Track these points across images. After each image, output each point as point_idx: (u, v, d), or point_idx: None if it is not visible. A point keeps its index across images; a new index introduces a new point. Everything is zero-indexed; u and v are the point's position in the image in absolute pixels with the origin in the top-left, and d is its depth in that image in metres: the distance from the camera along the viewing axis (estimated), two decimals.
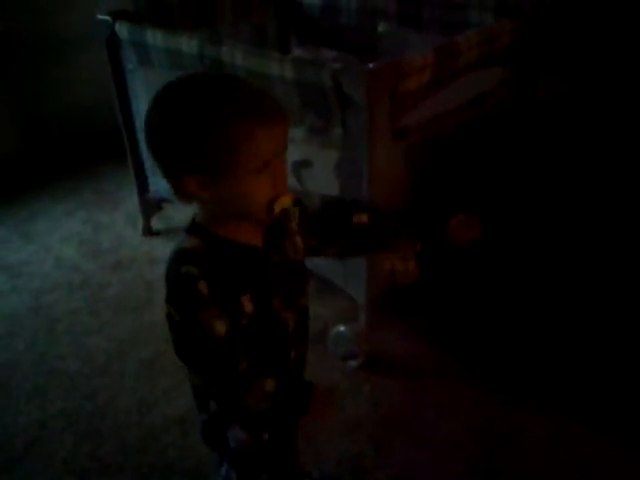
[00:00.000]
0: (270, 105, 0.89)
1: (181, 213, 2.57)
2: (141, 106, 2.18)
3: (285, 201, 0.94)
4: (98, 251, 2.48)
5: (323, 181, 1.68)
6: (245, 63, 1.66)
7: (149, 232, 2.54)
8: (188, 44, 1.81)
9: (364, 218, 1.14)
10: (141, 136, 2.25)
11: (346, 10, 2.40)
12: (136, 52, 2.04)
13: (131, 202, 2.62)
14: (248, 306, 0.95)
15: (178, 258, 0.93)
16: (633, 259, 1.86)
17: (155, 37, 1.92)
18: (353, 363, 1.84)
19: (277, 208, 0.93)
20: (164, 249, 2.44)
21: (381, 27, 2.36)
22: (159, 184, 2.33)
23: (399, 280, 1.66)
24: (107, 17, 2.07)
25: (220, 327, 0.91)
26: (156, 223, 2.56)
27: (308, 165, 1.70)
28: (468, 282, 2.03)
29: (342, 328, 1.84)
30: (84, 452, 1.66)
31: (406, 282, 1.65)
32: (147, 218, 2.52)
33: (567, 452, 1.58)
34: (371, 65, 1.42)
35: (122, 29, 2.03)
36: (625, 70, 1.90)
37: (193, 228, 0.97)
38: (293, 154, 1.91)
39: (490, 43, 1.76)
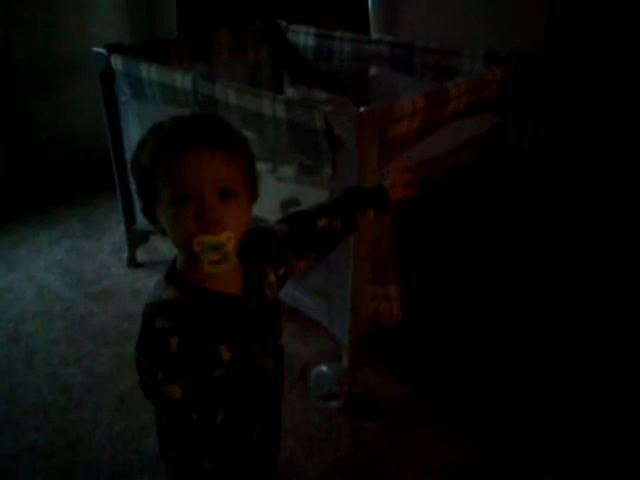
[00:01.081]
0: (201, 140, 0.88)
1: (166, 245, 2.57)
2: (132, 138, 2.19)
3: (207, 240, 0.88)
4: (81, 281, 2.46)
5: None
6: (238, 101, 1.68)
7: (134, 263, 2.53)
8: (182, 80, 1.82)
9: (323, 221, 1.16)
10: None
11: (339, 53, 2.44)
12: (130, 85, 2.06)
13: (117, 232, 2.61)
14: (226, 355, 0.93)
15: (154, 310, 0.91)
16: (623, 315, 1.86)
17: (150, 71, 1.94)
18: (334, 404, 1.82)
19: (195, 247, 0.88)
20: (147, 281, 2.43)
21: (373, 71, 2.40)
22: None
23: (383, 321, 1.66)
24: (103, 50, 2.09)
25: (176, 391, 0.89)
26: (141, 254, 2.55)
27: (296, 204, 1.71)
28: (453, 325, 2.03)
29: (324, 368, 1.82)
30: None
31: (390, 324, 1.65)
32: (132, 249, 2.51)
33: None
34: (362, 109, 1.44)
35: (117, 62, 2.05)
36: (614, 121, 1.94)
37: (172, 276, 0.94)
38: (282, 192, 1.94)
39: (480, 91, 1.80)
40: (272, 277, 1.06)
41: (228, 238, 0.88)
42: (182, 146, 0.87)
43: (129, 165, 0.97)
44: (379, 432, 1.77)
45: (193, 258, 0.89)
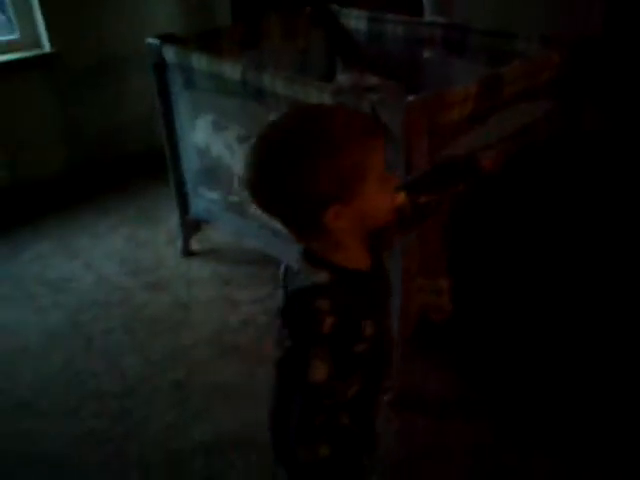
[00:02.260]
0: (369, 119, 0.97)
1: (218, 235, 2.59)
2: (185, 127, 2.22)
3: (400, 198, 1.04)
4: (138, 269, 2.51)
5: None
6: (285, 91, 1.66)
7: (188, 252, 2.56)
8: (231, 70, 1.82)
9: (423, 198, 1.16)
10: (184, 155, 2.29)
11: (392, 37, 2.38)
12: (182, 75, 2.07)
13: (172, 221, 2.64)
14: (369, 330, 0.97)
15: (312, 292, 0.94)
16: None
17: (200, 61, 1.94)
18: (385, 398, 1.79)
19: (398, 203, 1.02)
20: (200, 270, 2.46)
21: (426, 54, 2.34)
22: (199, 205, 2.35)
23: (433, 316, 1.62)
24: (156, 40, 2.11)
25: (321, 372, 0.92)
26: (194, 244, 2.58)
27: None
28: (503, 320, 1.96)
29: None
30: (109, 476, 1.67)
31: (440, 318, 1.61)
32: (186, 239, 2.54)
33: None
34: (410, 98, 1.39)
35: (169, 52, 2.06)
36: None
37: (316, 261, 0.96)
38: None
39: (535, 75, 1.72)
40: (385, 252, 1.09)
41: None
42: (371, 127, 0.93)
43: (278, 187, 0.89)
44: (426, 426, 1.74)
45: (346, 244, 0.95)
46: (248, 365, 1.98)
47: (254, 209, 2.09)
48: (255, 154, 0.91)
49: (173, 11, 3.18)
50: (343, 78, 2.51)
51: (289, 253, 2.00)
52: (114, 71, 3.09)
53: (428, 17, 2.56)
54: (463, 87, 1.48)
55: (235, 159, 2.03)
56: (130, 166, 3.15)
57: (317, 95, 1.57)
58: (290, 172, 0.87)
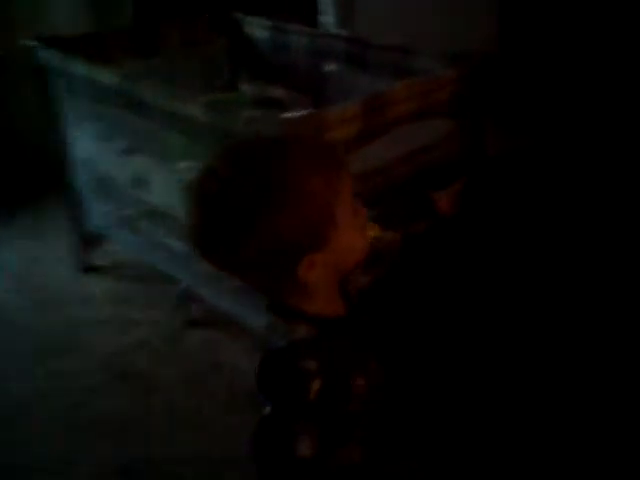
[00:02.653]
0: (328, 148, 0.88)
1: (121, 249, 2.47)
2: (72, 136, 2.11)
3: (374, 229, 0.95)
4: (28, 286, 2.36)
5: None
6: (162, 102, 1.59)
7: (85, 268, 2.42)
8: (109, 78, 1.73)
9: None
10: (75, 166, 2.17)
11: (296, 48, 2.33)
12: (64, 81, 1.97)
13: (68, 235, 2.50)
14: (361, 385, 0.86)
15: (293, 352, 0.83)
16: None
17: (78, 67, 1.85)
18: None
19: (373, 239, 0.93)
20: (98, 288, 2.34)
21: (331, 67, 2.30)
22: (93, 218, 2.24)
23: None
24: (34, 43, 1.98)
25: (306, 447, 0.81)
26: (95, 259, 2.44)
27: None
28: None
29: None
30: None
31: None
32: (83, 254, 2.40)
33: None
34: (289, 115, 1.34)
35: (49, 56, 1.95)
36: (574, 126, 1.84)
37: (291, 314, 0.85)
38: None
39: (430, 94, 1.69)
40: (351, 288, 0.97)
41: None
42: (335, 159, 0.84)
43: (231, 254, 0.79)
44: None
45: (320, 290, 0.85)
46: (139, 394, 1.88)
47: (146, 224, 2.00)
48: (203, 210, 0.80)
49: (75, 11, 3.02)
50: (247, 89, 2.45)
51: (184, 272, 1.94)
52: (7, 73, 2.91)
53: (331, 29, 2.53)
54: (342, 107, 1.44)
55: (121, 172, 1.93)
56: (24, 175, 2.97)
57: (192, 108, 1.51)
58: (251, 231, 0.77)
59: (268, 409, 0.84)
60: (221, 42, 2.51)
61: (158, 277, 2.27)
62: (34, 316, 2.20)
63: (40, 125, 2.68)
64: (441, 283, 1.56)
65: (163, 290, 2.22)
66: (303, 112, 1.42)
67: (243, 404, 1.73)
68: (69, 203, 2.28)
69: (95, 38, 2.18)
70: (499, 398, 1.53)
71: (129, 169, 1.91)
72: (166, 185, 1.82)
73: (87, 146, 2.03)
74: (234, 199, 0.77)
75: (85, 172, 2.13)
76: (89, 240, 2.38)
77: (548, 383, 1.55)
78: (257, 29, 2.45)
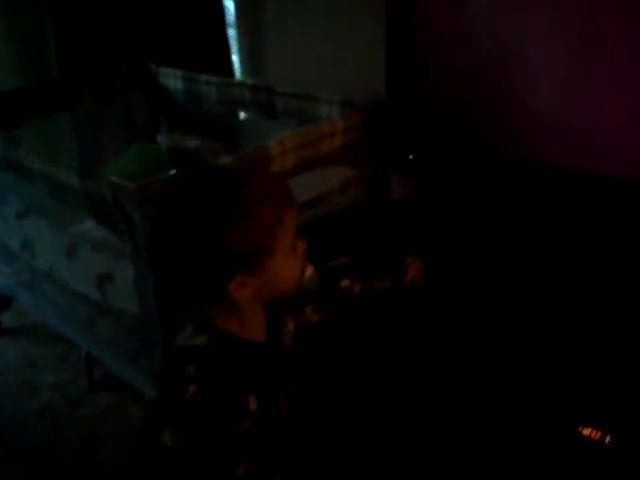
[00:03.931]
0: (283, 188, 0.92)
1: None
2: None
3: (310, 271, 1.00)
4: None
5: (126, 296, 1.52)
6: (39, 167, 1.52)
7: None
8: None
9: (346, 282, 1.17)
10: None
11: (207, 97, 2.29)
12: None
13: None
14: (253, 405, 0.93)
15: (183, 355, 0.91)
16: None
17: None
18: None
19: (307, 278, 1.00)
20: (5, 351, 2.23)
21: (242, 115, 2.26)
22: (3, 278, 2.15)
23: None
24: None
25: (169, 437, 0.86)
26: (6, 320, 2.35)
27: (111, 279, 1.54)
28: None
29: None
30: None
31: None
32: None
33: None
34: (142, 181, 1.28)
35: None
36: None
37: (202, 325, 0.93)
38: (98, 264, 1.74)
39: (317, 143, 1.65)
40: (290, 325, 1.07)
41: None
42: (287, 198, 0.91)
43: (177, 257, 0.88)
44: None
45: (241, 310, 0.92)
46: (35, 469, 1.77)
47: (44, 287, 1.92)
48: (164, 220, 0.89)
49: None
50: (162, 139, 2.39)
51: (83, 336, 1.86)
52: None
53: (240, 77, 2.49)
54: (219, 165, 1.38)
55: (16, 235, 1.86)
56: None
57: (64, 175, 1.44)
58: (197, 238, 0.84)
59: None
60: (138, 93, 2.48)
61: (67, 339, 2.18)
62: None
63: None
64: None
65: (72, 351, 2.13)
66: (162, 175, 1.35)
67: None
68: None
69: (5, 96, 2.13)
70: None
71: (22, 232, 1.85)
72: (56, 248, 1.76)
73: None
74: (188, 208, 0.86)
75: None
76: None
77: None
78: (171, 79, 2.41)
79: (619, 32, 1.37)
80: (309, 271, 1.01)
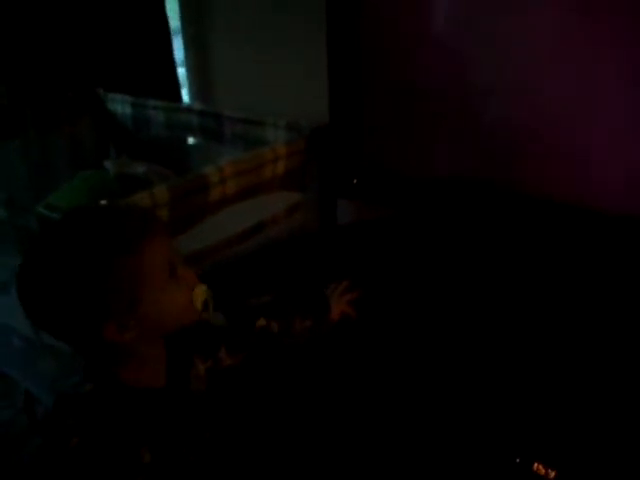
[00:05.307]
0: (140, 218, 0.87)
1: None
2: None
3: (201, 290, 0.91)
4: None
5: None
6: None
7: None
8: None
9: (261, 321, 1.14)
10: None
11: (154, 122, 2.26)
12: None
13: None
14: (147, 457, 0.87)
15: (65, 404, 0.87)
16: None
17: None
18: None
19: (198, 300, 0.90)
20: None
21: (190, 140, 2.23)
22: None
23: None
24: None
25: None
26: None
27: None
28: None
29: None
30: None
31: None
32: None
33: None
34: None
35: None
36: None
37: (92, 374, 0.88)
38: None
39: (259, 169, 1.62)
40: (200, 368, 1.01)
41: None
42: (146, 227, 0.85)
43: (48, 300, 0.81)
44: None
45: (134, 356, 0.87)
46: None
47: None
48: (29, 283, 0.83)
49: None
50: (110, 166, 2.35)
51: (21, 372, 1.80)
52: None
53: (188, 103, 2.47)
54: (147, 194, 1.34)
55: None
56: None
57: None
58: (60, 291, 0.80)
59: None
60: (85, 120, 2.43)
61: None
62: None
63: None
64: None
65: (10, 389, 2.05)
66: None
67: None
68: None
69: None
70: None
71: None
72: None
73: None
74: (51, 267, 0.81)
75: None
76: None
77: None
78: (119, 105, 2.38)
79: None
80: (199, 294, 0.91)
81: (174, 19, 2.42)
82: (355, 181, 1.66)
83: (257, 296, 1.19)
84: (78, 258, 0.80)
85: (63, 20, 2.27)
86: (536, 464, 0.99)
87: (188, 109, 2.16)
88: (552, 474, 0.97)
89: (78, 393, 0.87)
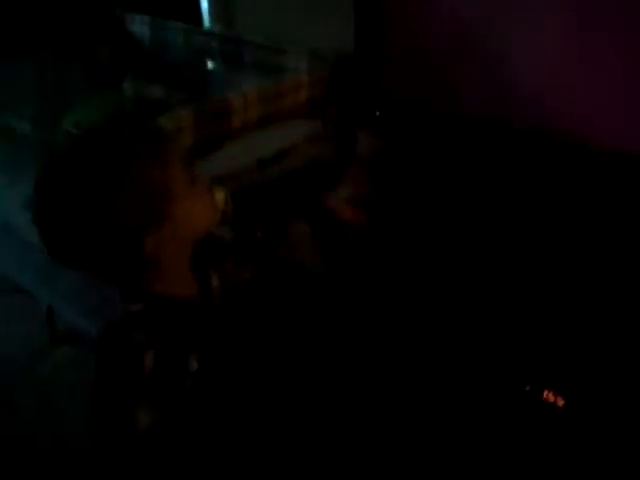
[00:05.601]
0: (150, 135, 0.88)
1: None
2: None
3: (219, 191, 1.02)
4: None
5: None
6: None
7: None
8: None
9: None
10: None
11: (174, 46, 2.22)
12: None
13: None
14: (194, 365, 0.90)
15: (125, 324, 0.87)
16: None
17: None
18: None
19: (220, 200, 1.01)
20: None
21: (209, 65, 2.20)
22: None
23: None
24: None
25: (145, 419, 0.82)
26: None
27: None
28: None
29: None
30: None
31: None
32: None
33: None
34: None
35: None
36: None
37: (130, 294, 0.90)
38: None
39: (282, 97, 1.61)
40: (215, 280, 1.03)
41: None
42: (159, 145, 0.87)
43: (79, 243, 0.83)
44: None
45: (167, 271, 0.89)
46: None
47: (1, 238, 1.88)
48: (51, 205, 0.82)
49: None
50: (127, 88, 2.33)
51: (43, 289, 1.83)
52: None
53: (209, 25, 2.42)
54: (175, 118, 1.34)
55: None
56: None
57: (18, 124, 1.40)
58: (95, 214, 0.80)
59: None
60: (105, 41, 2.39)
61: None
62: None
63: None
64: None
65: (32, 304, 2.10)
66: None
67: None
68: None
69: None
70: None
71: None
72: (11, 200, 1.71)
73: None
74: (79, 187, 0.80)
75: None
76: None
77: None
78: (138, 26, 2.33)
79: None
80: (219, 195, 0.98)
81: None
82: (377, 113, 1.65)
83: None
84: (114, 174, 0.80)
85: None
86: (546, 392, 1.03)
87: (208, 33, 2.13)
88: (561, 402, 1.01)
89: (131, 313, 0.88)
